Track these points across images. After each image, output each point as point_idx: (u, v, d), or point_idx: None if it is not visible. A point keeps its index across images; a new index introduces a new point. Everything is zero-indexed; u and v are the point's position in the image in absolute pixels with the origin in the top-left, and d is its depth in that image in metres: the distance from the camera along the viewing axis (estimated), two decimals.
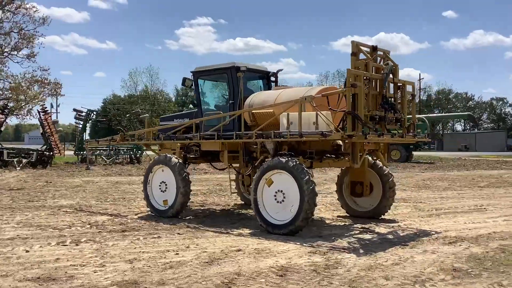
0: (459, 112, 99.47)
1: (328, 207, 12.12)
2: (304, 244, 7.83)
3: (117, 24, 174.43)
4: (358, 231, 9.14)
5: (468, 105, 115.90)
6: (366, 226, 9.68)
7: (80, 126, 32.51)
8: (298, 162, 8.55)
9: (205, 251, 7.30)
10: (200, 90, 11.15)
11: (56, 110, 73.62)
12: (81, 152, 31.56)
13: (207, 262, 6.66)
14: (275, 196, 8.82)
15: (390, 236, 8.67)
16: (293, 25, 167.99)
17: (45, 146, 29.02)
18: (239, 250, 7.39)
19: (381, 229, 9.42)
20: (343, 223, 10.04)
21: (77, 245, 7.75)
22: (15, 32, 34.19)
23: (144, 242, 7.98)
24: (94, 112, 34.47)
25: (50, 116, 29.66)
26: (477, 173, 25.92)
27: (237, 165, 10.95)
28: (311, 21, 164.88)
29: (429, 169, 28.99)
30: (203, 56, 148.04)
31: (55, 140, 29.47)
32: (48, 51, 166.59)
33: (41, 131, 30.00)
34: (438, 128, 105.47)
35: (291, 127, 9.11)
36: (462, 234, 8.81)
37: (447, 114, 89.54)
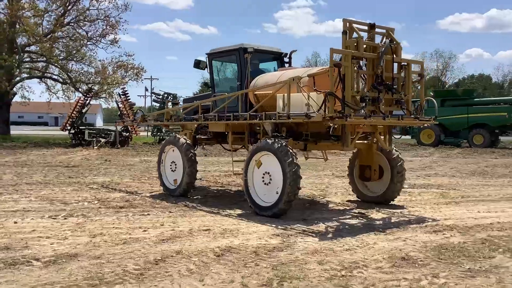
0: None
1: (343, 191, 11.78)
2: (279, 227, 7.75)
3: (218, 9, 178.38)
4: (350, 216, 8.85)
5: None
6: (365, 211, 9.34)
7: (157, 108, 33.93)
8: (283, 144, 8.43)
9: (173, 230, 7.46)
10: (213, 72, 11.27)
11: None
12: (158, 133, 33.01)
13: (162, 240, 6.82)
14: (263, 177, 8.78)
15: (378, 223, 8.32)
16: (395, 4, 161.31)
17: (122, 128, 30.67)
18: (207, 230, 7.48)
19: (378, 215, 9.06)
20: (343, 208, 9.76)
21: (65, 219, 8.23)
22: (100, 19, 36.21)
23: (128, 219, 8.29)
24: (172, 95, 35.74)
25: (128, 99, 31.14)
26: None
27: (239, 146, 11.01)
28: None
29: (508, 155, 26.97)
30: (301, 38, 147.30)
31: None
32: (154, 37, 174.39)
33: (119, 113, 31.70)
34: None
35: (287, 109, 9.00)
36: (459, 223, 8.26)
37: None
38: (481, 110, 33.30)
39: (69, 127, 30.41)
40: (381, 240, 6.97)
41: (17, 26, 32.32)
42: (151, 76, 75.01)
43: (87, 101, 32.43)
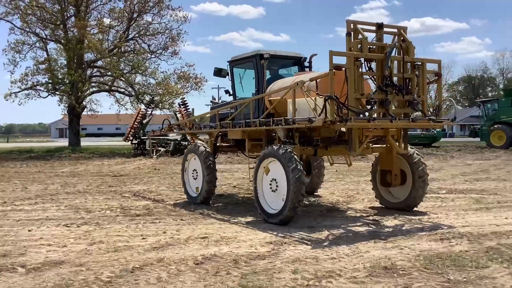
0: None
1: (370, 198, 11.38)
2: (280, 234, 7.62)
3: (290, 16, 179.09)
4: (361, 223, 8.54)
5: None
6: (381, 218, 8.98)
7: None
8: (288, 150, 8.29)
9: (171, 238, 7.52)
10: (234, 79, 11.31)
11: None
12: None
13: (154, 248, 6.89)
14: (270, 184, 8.68)
15: (387, 230, 7.95)
16: (475, 0, 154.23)
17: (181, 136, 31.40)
18: (204, 238, 7.47)
19: (393, 222, 8.68)
20: (360, 215, 9.42)
21: (78, 227, 8.51)
22: (161, 33, 37.34)
23: (136, 227, 8.44)
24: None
25: (188, 109, 31.84)
26: None
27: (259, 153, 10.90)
28: None
29: None
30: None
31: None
32: (228, 47, 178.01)
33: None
34: None
35: (297, 114, 8.87)
36: (476, 230, 7.75)
37: None
38: None
39: (131, 138, 31.54)
40: (376, 249, 6.66)
41: (84, 43, 34.00)
42: (218, 85, 76.89)
43: (149, 112, 33.55)
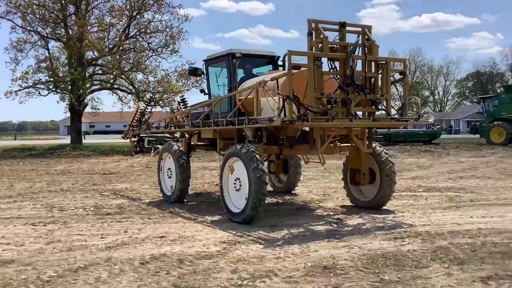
0: None
1: (345, 196, 11.35)
2: (238, 233, 7.67)
3: (300, 13, 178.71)
4: (324, 222, 8.54)
5: None
6: (346, 216, 8.99)
7: None
8: (250, 150, 8.32)
9: (130, 237, 7.58)
10: (210, 78, 11.34)
11: None
12: None
13: (108, 247, 6.95)
14: (234, 184, 8.71)
15: (347, 229, 7.95)
16: None
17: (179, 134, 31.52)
18: (162, 237, 7.53)
19: (357, 220, 8.69)
20: (327, 213, 9.43)
21: (44, 225, 8.60)
22: (161, 31, 37.43)
23: (101, 226, 8.51)
24: None
25: (186, 106, 31.89)
26: None
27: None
28: None
29: None
30: (386, 36, 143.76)
31: None
32: (237, 43, 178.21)
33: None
34: None
35: (262, 113, 8.90)
36: (436, 229, 7.76)
37: None
38: None
39: (130, 135, 31.65)
40: (326, 248, 6.69)
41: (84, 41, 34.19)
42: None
43: (148, 110, 33.66)
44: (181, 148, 10.87)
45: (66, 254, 6.64)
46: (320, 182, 14.44)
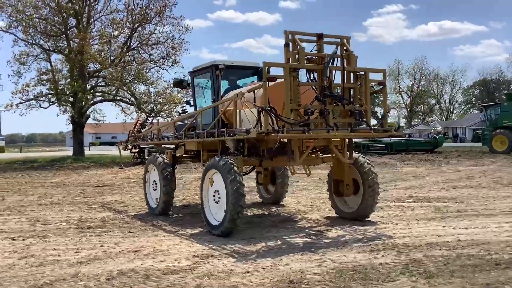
0: None
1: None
2: (214, 247, 7.58)
3: (306, 22, 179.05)
4: (304, 234, 8.42)
5: None
6: (328, 228, 8.88)
7: None
8: (228, 162, 8.25)
9: (104, 251, 7.51)
10: (195, 90, 11.32)
11: None
12: None
13: (80, 262, 6.89)
14: (214, 196, 8.64)
15: (325, 241, 7.84)
16: (495, 1, 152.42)
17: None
18: (136, 251, 7.46)
19: (338, 232, 8.56)
20: (309, 225, 9.32)
21: (23, 240, 8.57)
22: (161, 43, 37.57)
23: (79, 240, 8.45)
24: None
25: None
26: None
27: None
28: None
29: None
30: (392, 45, 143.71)
31: None
32: (244, 54, 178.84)
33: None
34: None
35: (242, 125, 8.86)
36: (414, 241, 7.62)
37: None
38: None
39: (130, 147, 31.69)
40: (298, 261, 6.58)
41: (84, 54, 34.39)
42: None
43: (149, 121, 33.72)
44: (165, 160, 10.83)
45: (36, 269, 6.58)
46: (311, 192, 14.32)
